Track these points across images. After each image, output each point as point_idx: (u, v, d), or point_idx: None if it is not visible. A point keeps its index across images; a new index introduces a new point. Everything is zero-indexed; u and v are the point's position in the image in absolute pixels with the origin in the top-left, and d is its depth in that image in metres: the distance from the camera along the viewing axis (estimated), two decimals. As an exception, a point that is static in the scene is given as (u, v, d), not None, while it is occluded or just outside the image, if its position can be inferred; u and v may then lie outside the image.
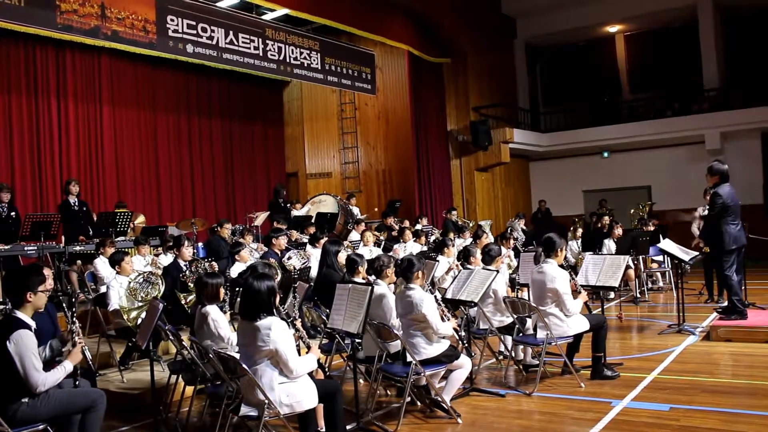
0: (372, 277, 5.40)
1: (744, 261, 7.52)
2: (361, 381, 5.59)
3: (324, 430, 4.25)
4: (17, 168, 10.89)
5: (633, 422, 4.58)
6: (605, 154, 17.38)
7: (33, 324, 3.87)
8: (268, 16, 12.49)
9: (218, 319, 4.82)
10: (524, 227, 13.79)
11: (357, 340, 4.94)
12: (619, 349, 6.90)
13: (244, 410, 3.92)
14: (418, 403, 5.25)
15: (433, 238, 11.23)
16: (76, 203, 9.34)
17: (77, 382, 4.05)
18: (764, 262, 12.31)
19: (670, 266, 10.72)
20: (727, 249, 7.03)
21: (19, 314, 3.86)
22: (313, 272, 7.82)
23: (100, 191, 11.98)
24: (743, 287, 7.78)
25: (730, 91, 16.05)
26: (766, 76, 15.50)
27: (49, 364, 4.03)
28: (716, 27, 16.18)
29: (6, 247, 7.91)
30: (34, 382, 3.69)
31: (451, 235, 10.03)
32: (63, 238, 9.18)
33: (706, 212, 9.00)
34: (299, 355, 4.01)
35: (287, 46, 12.35)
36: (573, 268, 9.23)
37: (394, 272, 5.30)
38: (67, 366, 3.88)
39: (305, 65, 12.72)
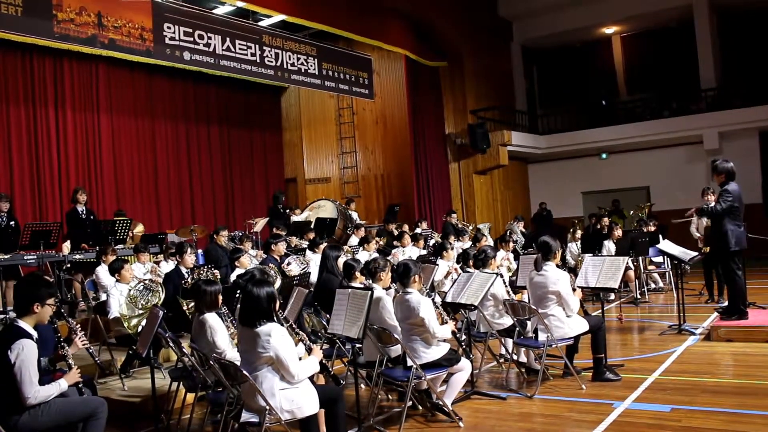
0: (368, 281, 5.39)
1: (744, 261, 7.49)
2: (362, 386, 5.59)
3: (325, 435, 4.24)
4: (16, 177, 10.91)
5: (634, 423, 4.58)
6: (603, 156, 17.39)
7: (35, 334, 3.87)
8: (265, 23, 12.53)
9: (215, 327, 4.77)
10: (524, 229, 13.79)
11: (357, 345, 4.94)
12: (620, 351, 6.90)
13: (245, 417, 3.91)
14: (420, 408, 5.25)
15: (432, 241, 11.24)
16: (84, 212, 9.35)
17: (83, 390, 4.05)
18: (764, 262, 12.31)
19: (669, 267, 10.71)
20: (731, 250, 6.96)
21: (22, 324, 3.86)
22: (313, 278, 7.82)
23: (98, 199, 11.98)
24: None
25: (728, 91, 16.07)
26: (763, 75, 15.54)
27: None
28: (712, 27, 16.22)
29: (6, 257, 7.91)
30: (26, 393, 3.68)
31: (451, 239, 10.04)
32: (69, 246, 9.18)
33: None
34: (301, 358, 4.01)
35: (284, 52, 12.38)
36: (573, 270, 9.25)
37: (392, 277, 5.30)
38: (62, 384, 3.88)
39: (302, 71, 12.75)
